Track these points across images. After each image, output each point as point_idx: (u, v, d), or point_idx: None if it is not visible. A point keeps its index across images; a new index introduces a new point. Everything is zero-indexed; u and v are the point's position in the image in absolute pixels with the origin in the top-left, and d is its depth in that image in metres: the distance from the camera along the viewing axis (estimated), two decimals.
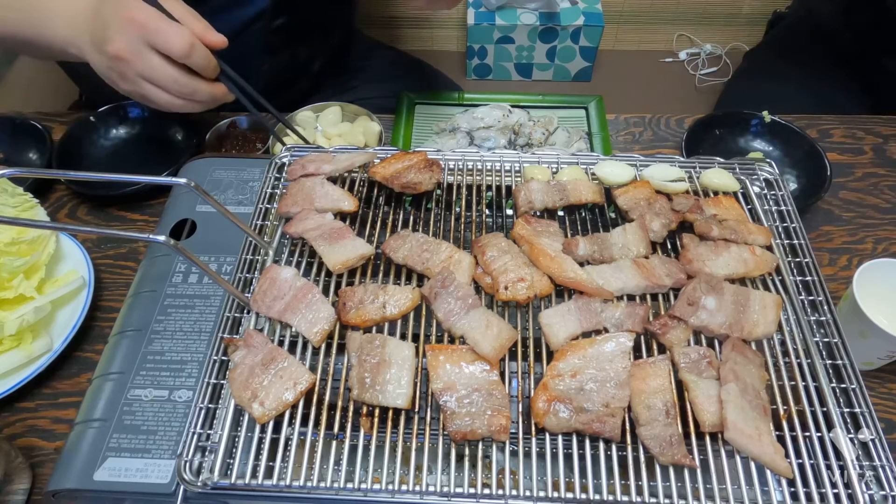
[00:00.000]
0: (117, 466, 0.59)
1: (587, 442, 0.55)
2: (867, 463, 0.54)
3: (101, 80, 0.88)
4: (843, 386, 0.59)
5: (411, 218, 0.74)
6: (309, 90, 1.34)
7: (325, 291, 0.65)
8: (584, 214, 0.76)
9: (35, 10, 0.86)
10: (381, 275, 0.68)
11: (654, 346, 0.61)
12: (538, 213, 0.74)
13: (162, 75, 0.79)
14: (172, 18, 0.78)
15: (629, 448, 0.55)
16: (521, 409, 0.56)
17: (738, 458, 0.53)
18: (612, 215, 0.76)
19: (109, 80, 0.84)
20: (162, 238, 0.53)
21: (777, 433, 0.55)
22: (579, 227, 0.74)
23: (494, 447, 0.57)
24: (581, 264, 0.66)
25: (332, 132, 1.08)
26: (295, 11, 1.16)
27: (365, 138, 1.06)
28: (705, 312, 0.61)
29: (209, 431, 0.57)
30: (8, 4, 0.88)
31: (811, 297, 0.66)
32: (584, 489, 0.52)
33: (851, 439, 0.55)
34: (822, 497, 0.52)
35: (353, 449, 0.55)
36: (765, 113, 1.08)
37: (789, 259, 0.70)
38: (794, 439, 0.55)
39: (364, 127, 1.07)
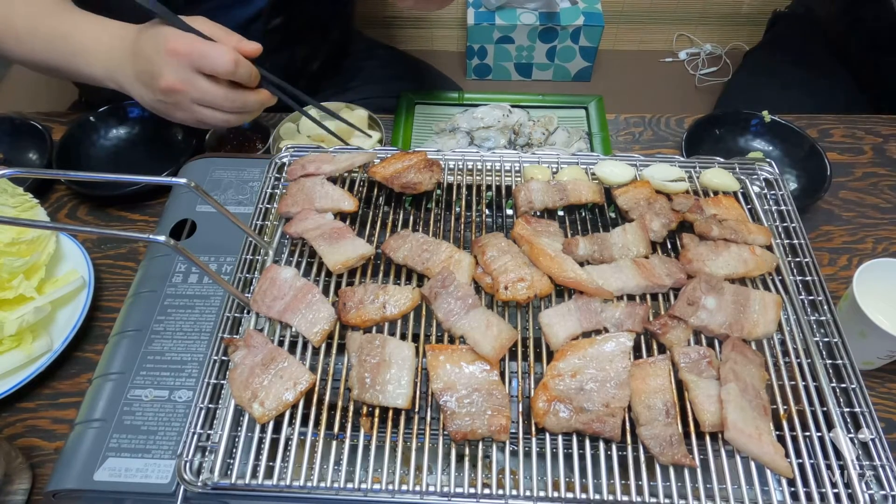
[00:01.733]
0: (117, 466, 0.59)
1: (587, 442, 0.55)
2: (867, 463, 0.54)
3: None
4: (843, 386, 0.59)
5: (411, 218, 0.74)
6: (308, 90, 1.34)
7: (325, 291, 0.65)
8: (584, 214, 0.76)
9: (67, 44, 0.87)
10: (381, 275, 0.68)
11: (654, 346, 0.61)
12: (538, 213, 0.74)
13: (213, 96, 0.81)
14: (209, 39, 0.80)
15: (629, 448, 0.55)
16: (521, 409, 0.56)
17: (738, 458, 0.53)
18: (612, 215, 0.76)
19: (159, 112, 0.86)
20: (162, 238, 0.53)
21: (777, 433, 0.55)
22: (579, 227, 0.74)
23: (494, 447, 0.57)
24: (581, 264, 0.67)
25: (320, 134, 1.08)
26: (292, 11, 1.16)
27: (357, 122, 1.06)
28: (705, 312, 0.61)
29: (209, 431, 0.57)
30: (38, 35, 0.88)
31: (811, 297, 0.66)
32: (584, 489, 0.52)
33: (851, 439, 0.55)
34: (822, 497, 0.52)
35: (353, 449, 0.55)
36: (765, 113, 1.08)
37: (789, 259, 0.70)
38: (794, 439, 0.55)
39: (349, 115, 1.07)
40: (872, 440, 0.55)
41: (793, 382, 0.59)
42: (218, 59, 0.78)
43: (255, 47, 0.84)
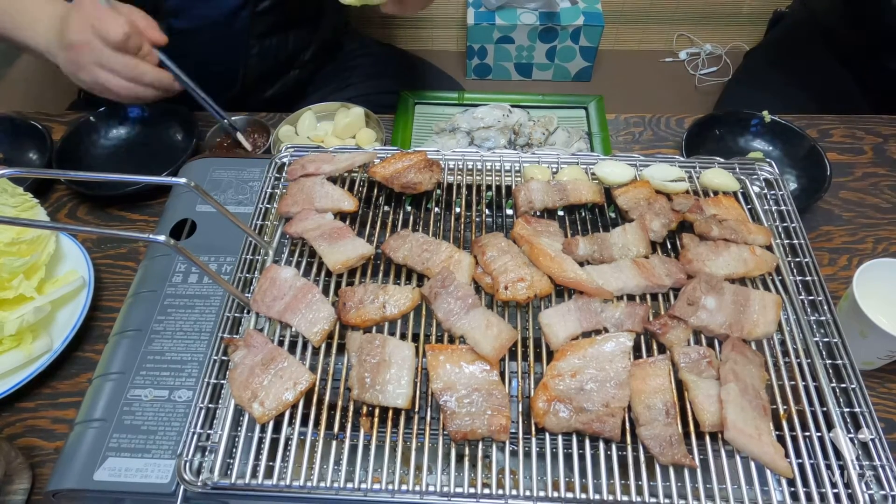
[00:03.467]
0: (117, 466, 0.59)
1: (587, 442, 0.55)
2: (867, 463, 0.54)
3: None
4: (843, 386, 0.59)
5: (411, 218, 0.74)
6: (305, 80, 1.35)
7: (325, 291, 0.65)
8: (584, 214, 0.76)
9: (17, 12, 0.97)
10: (381, 275, 0.68)
11: (654, 346, 0.61)
12: (538, 213, 0.74)
13: (110, 59, 0.93)
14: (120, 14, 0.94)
15: (629, 448, 0.55)
16: (521, 409, 0.56)
17: (738, 458, 0.53)
18: (612, 215, 0.76)
19: (71, 74, 0.97)
20: (162, 238, 0.53)
21: (777, 433, 0.55)
22: (579, 227, 0.74)
23: (494, 447, 0.57)
24: (581, 264, 0.66)
25: (318, 135, 1.08)
26: None
27: (353, 121, 1.06)
28: (705, 312, 0.61)
29: (209, 431, 0.57)
30: None
31: (811, 297, 0.66)
32: (584, 489, 0.52)
33: (851, 439, 0.55)
34: (822, 497, 0.52)
35: (353, 449, 0.55)
36: (765, 113, 1.08)
37: (789, 259, 0.70)
38: (794, 439, 0.55)
39: (346, 114, 1.07)
40: (872, 440, 0.55)
41: (793, 382, 0.59)
42: (112, 27, 0.92)
43: (161, 37, 0.99)
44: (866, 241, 0.96)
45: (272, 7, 1.17)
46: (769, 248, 0.70)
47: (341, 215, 0.72)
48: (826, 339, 0.63)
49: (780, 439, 0.54)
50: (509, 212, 0.77)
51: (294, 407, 0.57)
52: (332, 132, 1.09)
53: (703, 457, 0.54)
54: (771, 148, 1.08)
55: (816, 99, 1.34)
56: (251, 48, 1.19)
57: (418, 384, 0.58)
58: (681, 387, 0.57)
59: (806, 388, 0.58)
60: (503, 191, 0.77)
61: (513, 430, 0.55)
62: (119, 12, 0.95)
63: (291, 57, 1.28)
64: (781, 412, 0.57)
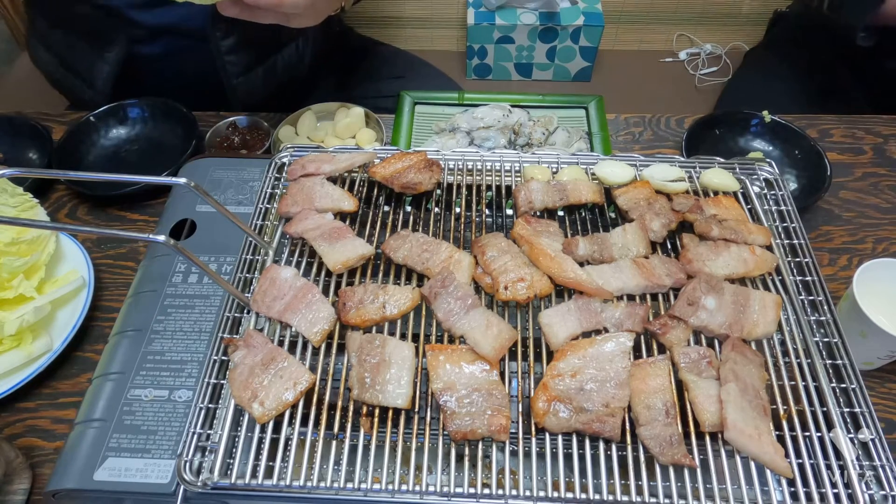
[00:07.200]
0: (117, 466, 0.59)
1: (587, 442, 0.55)
2: (867, 463, 0.54)
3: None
4: (843, 386, 0.59)
5: (411, 218, 0.74)
6: (307, 87, 1.34)
7: (325, 291, 0.65)
8: (584, 214, 0.76)
9: None
10: (381, 275, 0.67)
11: (654, 346, 0.61)
12: (538, 213, 0.74)
13: None
14: None
15: (629, 448, 0.55)
16: (521, 409, 0.56)
17: (738, 458, 0.53)
18: (612, 215, 0.76)
19: None
20: (162, 238, 0.53)
21: (777, 433, 0.55)
22: (579, 227, 0.73)
23: (494, 447, 0.57)
24: (581, 264, 0.66)
25: (318, 136, 1.08)
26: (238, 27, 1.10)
27: (354, 121, 1.07)
28: (705, 312, 0.61)
29: (209, 431, 0.57)
30: None
31: (811, 297, 0.66)
32: (584, 489, 0.52)
33: (851, 439, 0.55)
34: (822, 497, 0.52)
35: (353, 449, 0.55)
36: (765, 113, 1.08)
37: (789, 259, 0.70)
38: (794, 439, 0.55)
39: (346, 114, 1.07)
40: (872, 440, 0.55)
41: (793, 382, 0.59)
42: None
43: None
44: (866, 241, 0.96)
45: (237, 46, 1.11)
46: (769, 248, 0.70)
47: (341, 215, 0.72)
48: (826, 339, 0.63)
49: (780, 439, 0.54)
50: (509, 212, 0.77)
51: (294, 407, 0.57)
52: (332, 132, 1.09)
53: (703, 457, 0.54)
54: (771, 148, 1.08)
55: (816, 99, 1.34)
56: (236, 88, 1.16)
57: (418, 384, 0.58)
58: (681, 387, 0.57)
59: (806, 388, 0.58)
60: (503, 191, 0.77)
61: (513, 430, 0.55)
62: None
63: (282, 78, 1.24)
64: (781, 412, 0.57)
